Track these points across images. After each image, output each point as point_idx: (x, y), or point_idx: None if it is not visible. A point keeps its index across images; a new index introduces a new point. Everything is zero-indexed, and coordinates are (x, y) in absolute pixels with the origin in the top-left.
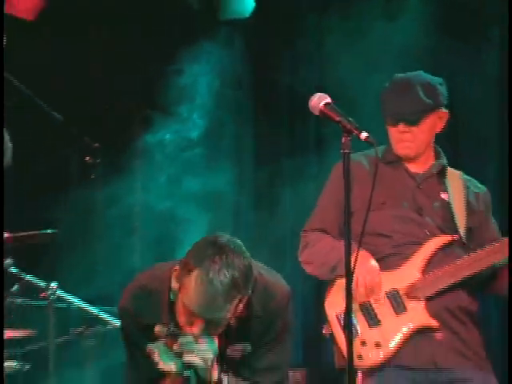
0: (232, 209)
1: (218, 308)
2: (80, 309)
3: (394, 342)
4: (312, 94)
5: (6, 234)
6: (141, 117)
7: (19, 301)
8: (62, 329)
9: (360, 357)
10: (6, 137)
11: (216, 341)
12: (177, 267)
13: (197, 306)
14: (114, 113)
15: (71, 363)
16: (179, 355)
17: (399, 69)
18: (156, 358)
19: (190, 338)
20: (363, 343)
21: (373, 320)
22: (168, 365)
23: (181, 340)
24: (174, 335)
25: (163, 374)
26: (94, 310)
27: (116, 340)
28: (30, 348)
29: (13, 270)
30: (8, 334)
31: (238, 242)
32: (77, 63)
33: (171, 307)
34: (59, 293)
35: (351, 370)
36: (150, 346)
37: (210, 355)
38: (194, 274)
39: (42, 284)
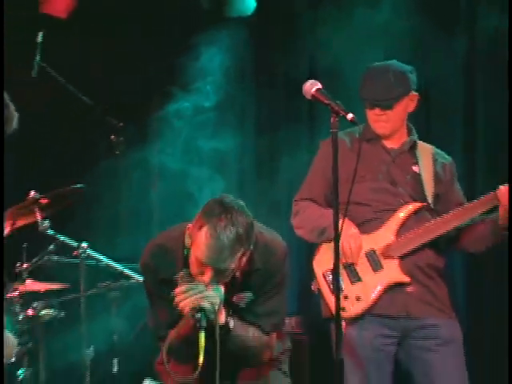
0: (236, 170)
1: (224, 259)
2: (107, 265)
3: (372, 295)
4: (305, 77)
5: (42, 200)
6: (164, 91)
7: (55, 258)
8: (91, 283)
9: (343, 309)
10: (12, 107)
11: (223, 288)
12: (189, 225)
13: (206, 258)
14: (142, 89)
15: (99, 311)
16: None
17: (382, 52)
18: (178, 299)
19: (201, 286)
20: (346, 297)
21: (354, 277)
22: (186, 305)
23: (193, 287)
24: (188, 283)
25: (180, 317)
26: (118, 266)
27: (137, 292)
28: (64, 298)
29: (49, 231)
30: (46, 286)
31: (242, 203)
32: (106, 52)
33: (185, 261)
34: (89, 252)
35: (338, 321)
36: (178, 290)
37: (218, 300)
38: (204, 230)
39: (74, 244)
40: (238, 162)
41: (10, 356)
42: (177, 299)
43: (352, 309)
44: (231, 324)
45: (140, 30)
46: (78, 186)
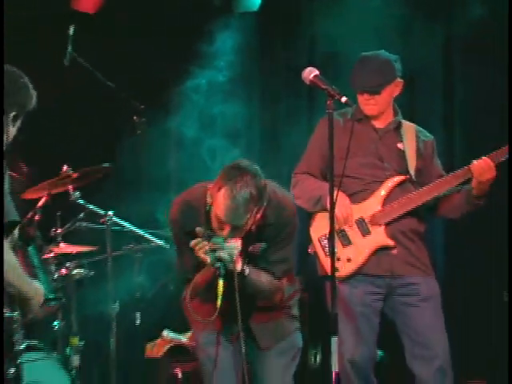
0: (246, 139)
1: (240, 217)
2: (130, 230)
3: (361, 257)
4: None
5: (74, 174)
6: (185, 69)
7: (85, 224)
8: (117, 245)
9: (336, 269)
10: (31, 86)
11: (239, 241)
12: (210, 186)
13: (224, 216)
14: (165, 69)
15: (123, 271)
16: (212, 251)
17: (373, 39)
18: (197, 251)
19: (220, 239)
20: (338, 259)
21: (345, 241)
22: (205, 257)
23: (213, 240)
24: (209, 236)
25: (202, 264)
26: (140, 231)
27: (156, 253)
28: (93, 259)
29: (80, 201)
30: (77, 248)
31: (256, 166)
32: (129, 41)
33: (207, 216)
34: (114, 219)
35: (334, 280)
36: (193, 242)
37: (235, 252)
38: (222, 191)
39: (102, 212)
40: (247, 130)
41: (40, 302)
42: (199, 251)
43: (344, 269)
44: (247, 271)
45: (163, 20)
46: (105, 165)
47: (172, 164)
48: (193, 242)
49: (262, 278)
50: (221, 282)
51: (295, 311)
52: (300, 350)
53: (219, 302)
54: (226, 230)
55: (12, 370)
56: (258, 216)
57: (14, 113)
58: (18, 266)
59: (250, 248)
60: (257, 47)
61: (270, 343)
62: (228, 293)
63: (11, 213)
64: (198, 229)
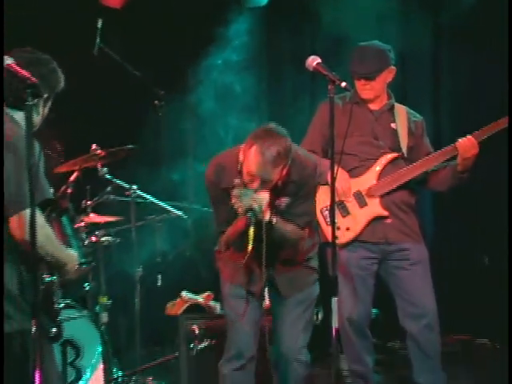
0: (257, 111)
1: (268, 171)
2: (152, 202)
3: (358, 226)
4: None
5: (102, 152)
6: (204, 51)
7: (112, 197)
8: (140, 216)
9: (336, 237)
10: (59, 70)
11: (267, 193)
12: (242, 146)
13: (255, 169)
14: (186, 52)
15: (146, 238)
16: (245, 202)
17: (376, 33)
18: (234, 201)
19: (251, 191)
20: (338, 228)
21: (345, 212)
22: (239, 207)
23: (245, 192)
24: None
25: (234, 217)
26: (161, 203)
27: (175, 223)
28: (119, 228)
29: (107, 176)
30: (105, 219)
31: (283, 128)
32: (154, 32)
33: (239, 174)
34: (138, 192)
35: (335, 246)
36: (234, 193)
37: (264, 202)
38: (253, 148)
39: (127, 186)
40: (258, 105)
41: (74, 268)
42: (233, 202)
43: (343, 237)
44: (274, 220)
45: (183, 11)
46: (130, 146)
47: (189, 139)
48: (234, 192)
49: (288, 227)
50: (252, 229)
51: (314, 263)
52: (315, 300)
53: (250, 247)
54: (256, 184)
55: (54, 329)
56: (284, 172)
57: (46, 95)
58: (55, 237)
59: (277, 202)
60: (266, 32)
61: (291, 293)
62: (257, 241)
63: (47, 191)
64: (236, 181)
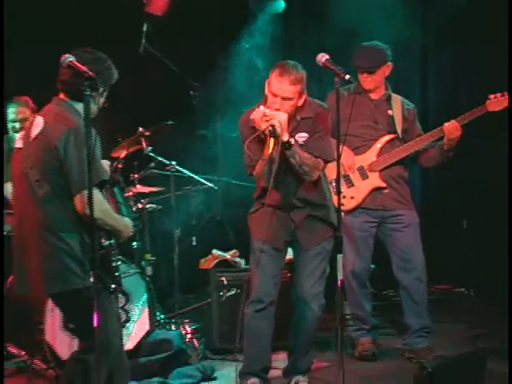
0: None
1: (286, 89)
2: (189, 176)
3: (361, 196)
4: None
5: (146, 133)
6: (235, 38)
7: (155, 171)
8: (178, 187)
9: (342, 204)
10: (113, 65)
11: (286, 114)
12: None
13: (276, 89)
14: (221, 39)
15: (183, 205)
16: (266, 119)
17: (380, 29)
18: (260, 119)
19: (272, 112)
20: (344, 197)
21: (349, 183)
22: (260, 124)
23: (267, 112)
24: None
25: (261, 152)
26: (196, 176)
27: (207, 192)
28: (161, 197)
29: (151, 154)
30: (149, 189)
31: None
32: (194, 29)
33: (265, 103)
34: (177, 167)
35: (339, 212)
36: (254, 112)
37: (283, 119)
38: (275, 71)
39: (167, 162)
40: None
41: (128, 233)
42: (257, 120)
43: (348, 204)
44: (292, 141)
45: (219, 10)
46: (169, 122)
47: (219, 122)
48: (254, 112)
49: (304, 153)
50: (272, 140)
51: (332, 217)
52: (330, 253)
53: (270, 151)
54: (277, 103)
55: (113, 285)
56: (301, 101)
57: (102, 88)
58: (112, 210)
59: (296, 136)
60: (285, 25)
61: (310, 245)
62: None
63: (103, 173)
64: (260, 108)
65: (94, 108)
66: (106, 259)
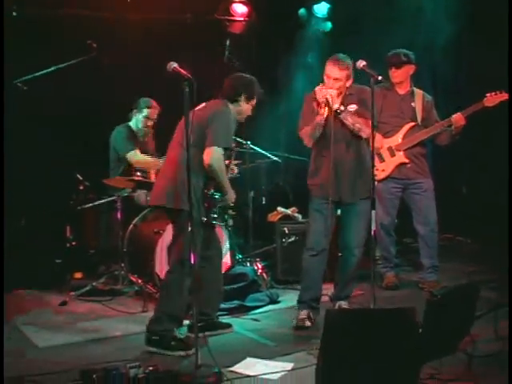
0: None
1: (337, 71)
2: (260, 152)
3: (390, 168)
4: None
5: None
6: (295, 40)
7: (237, 149)
8: (252, 160)
9: (375, 175)
10: (257, 85)
11: (336, 91)
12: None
13: (329, 71)
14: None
15: (255, 173)
16: (321, 93)
17: (405, 30)
18: (317, 95)
19: (327, 90)
20: (377, 169)
21: (381, 159)
22: (320, 97)
23: (323, 89)
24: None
25: (313, 117)
26: (265, 152)
27: (273, 164)
28: (239, 168)
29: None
30: (231, 161)
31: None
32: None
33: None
34: (251, 146)
35: (373, 180)
36: (317, 88)
37: (334, 94)
38: (330, 59)
39: (244, 142)
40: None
41: (231, 200)
42: (317, 92)
43: (380, 175)
44: (342, 108)
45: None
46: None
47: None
48: (316, 88)
49: (353, 116)
50: (326, 109)
51: (370, 186)
52: (369, 213)
53: (325, 115)
54: (330, 83)
55: (205, 219)
56: (349, 82)
57: (253, 99)
58: (225, 173)
59: (347, 106)
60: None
61: (352, 200)
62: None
63: (229, 142)
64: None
65: (245, 108)
66: (209, 203)
